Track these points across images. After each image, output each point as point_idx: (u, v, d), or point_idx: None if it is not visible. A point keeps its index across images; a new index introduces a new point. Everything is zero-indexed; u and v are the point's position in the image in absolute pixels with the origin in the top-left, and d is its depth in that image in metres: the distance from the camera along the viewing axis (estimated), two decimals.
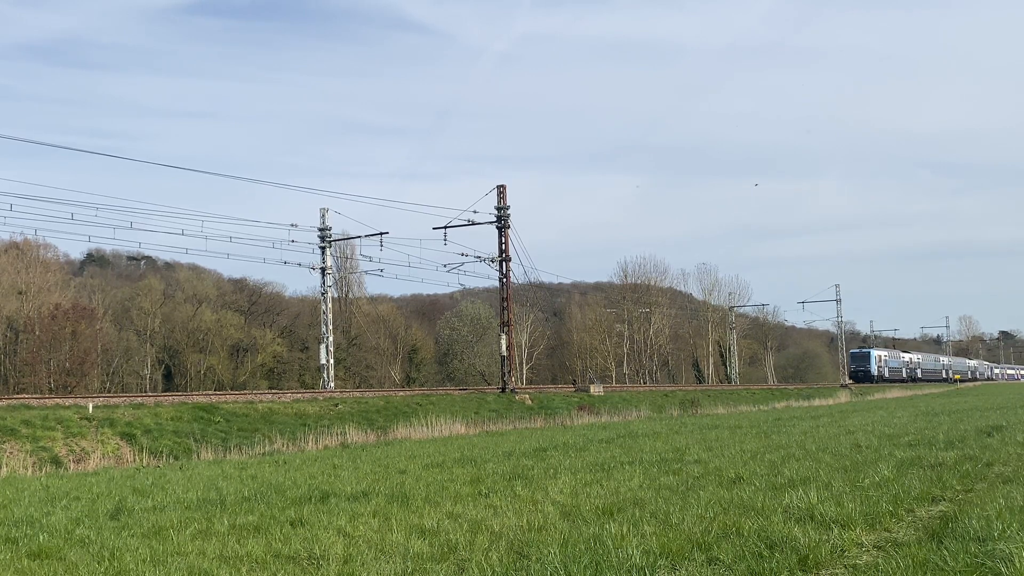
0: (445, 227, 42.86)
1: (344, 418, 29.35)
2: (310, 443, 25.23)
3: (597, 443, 20.41)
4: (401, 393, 36.82)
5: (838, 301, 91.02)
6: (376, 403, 32.63)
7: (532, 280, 54.12)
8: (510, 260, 43.36)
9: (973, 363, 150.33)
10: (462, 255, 43.64)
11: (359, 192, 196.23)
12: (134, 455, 22.57)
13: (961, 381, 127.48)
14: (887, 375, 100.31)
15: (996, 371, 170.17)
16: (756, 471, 12.96)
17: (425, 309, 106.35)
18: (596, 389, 46.17)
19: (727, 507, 9.56)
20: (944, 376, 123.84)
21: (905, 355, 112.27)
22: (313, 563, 7.68)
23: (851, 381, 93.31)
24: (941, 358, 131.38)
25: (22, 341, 60.67)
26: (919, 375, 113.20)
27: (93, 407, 24.38)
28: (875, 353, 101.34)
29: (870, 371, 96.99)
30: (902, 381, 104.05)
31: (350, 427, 28.01)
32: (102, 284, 79.18)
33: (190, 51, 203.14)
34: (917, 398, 64.89)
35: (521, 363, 79.43)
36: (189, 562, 7.84)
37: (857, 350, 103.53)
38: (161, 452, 22.85)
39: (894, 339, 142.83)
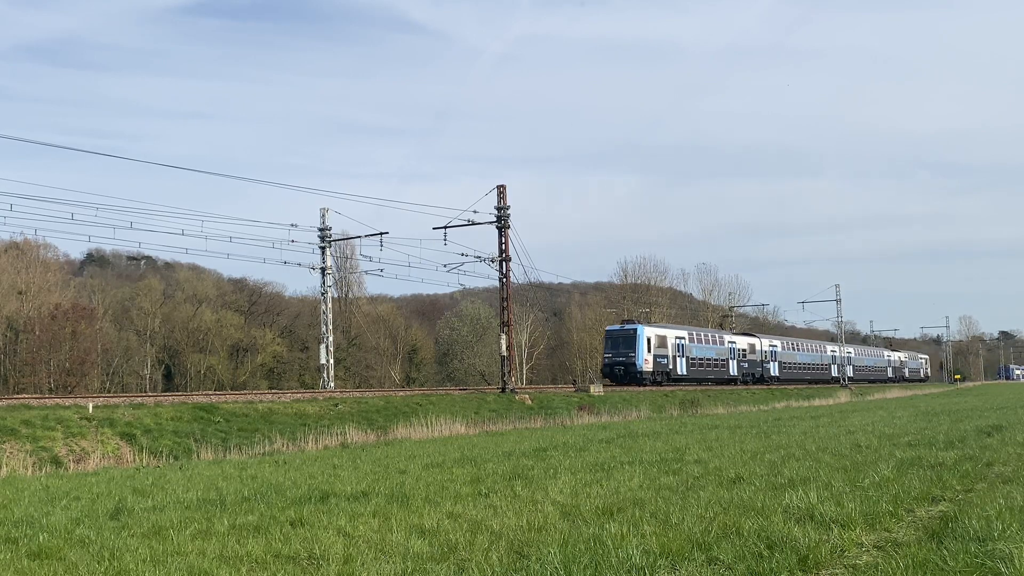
0: (445, 227, 42.87)
1: (344, 418, 29.33)
2: (310, 443, 25.22)
3: (597, 443, 20.41)
4: (401, 393, 36.81)
5: (838, 301, 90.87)
6: (376, 403, 32.59)
7: (532, 280, 54.08)
8: (510, 260, 43.37)
9: (899, 356, 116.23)
10: (462, 255, 43.66)
11: (359, 192, 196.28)
12: (134, 455, 22.56)
13: (880, 381, 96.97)
14: (682, 371, 60.54)
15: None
16: (756, 471, 12.96)
17: (425, 309, 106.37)
18: (596, 389, 46.17)
19: (727, 507, 9.56)
20: (836, 377, 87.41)
21: (735, 339, 70.70)
22: (313, 563, 7.68)
23: (607, 381, 56.47)
24: (832, 348, 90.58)
25: (22, 341, 60.67)
26: (772, 372, 74.13)
27: (93, 407, 24.37)
28: (647, 334, 57.02)
29: (635, 364, 55.42)
30: (717, 382, 65.04)
31: (350, 427, 27.99)
32: (102, 284, 79.17)
33: (190, 51, 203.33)
34: (917, 398, 64.91)
35: (521, 363, 79.40)
36: (189, 562, 7.83)
37: (617, 327, 59.49)
38: (161, 452, 22.84)
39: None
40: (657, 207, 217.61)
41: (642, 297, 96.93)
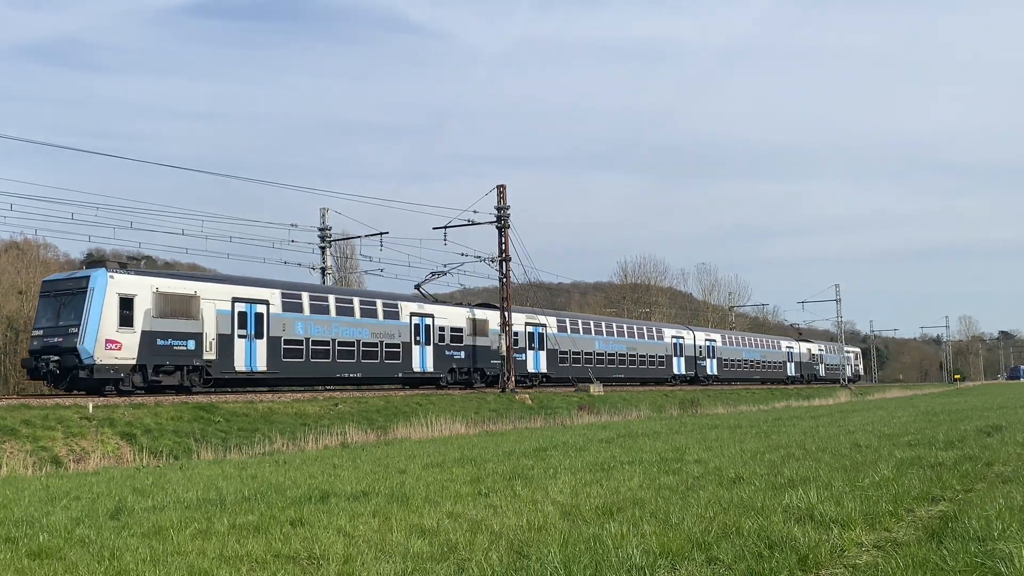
0: (445, 227, 42.83)
1: (344, 418, 29.32)
2: (310, 443, 25.23)
3: (597, 443, 20.41)
4: (401, 393, 36.76)
5: (838, 301, 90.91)
6: (376, 403, 32.57)
7: (532, 280, 53.97)
8: (510, 260, 43.36)
9: (809, 348, 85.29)
10: (462, 255, 43.54)
11: (359, 192, 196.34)
12: (134, 455, 22.57)
13: (768, 382, 72.96)
14: (253, 365, 32.40)
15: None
16: (756, 471, 12.96)
17: None
18: (596, 389, 46.14)
19: (727, 507, 9.56)
20: (685, 375, 61.75)
21: (436, 309, 41.25)
22: (313, 563, 7.68)
23: (45, 384, 30.97)
24: (674, 333, 62.22)
25: (22, 341, 60.65)
26: (533, 368, 46.90)
27: (93, 407, 24.37)
28: (118, 288, 28.30)
29: (78, 351, 27.25)
30: (369, 380, 38.47)
31: (350, 427, 27.99)
32: None
33: (190, 52, 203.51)
34: (917, 398, 64.92)
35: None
36: (189, 562, 7.83)
37: (62, 276, 31.22)
38: (161, 452, 22.84)
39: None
40: (657, 207, 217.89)
41: (642, 297, 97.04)
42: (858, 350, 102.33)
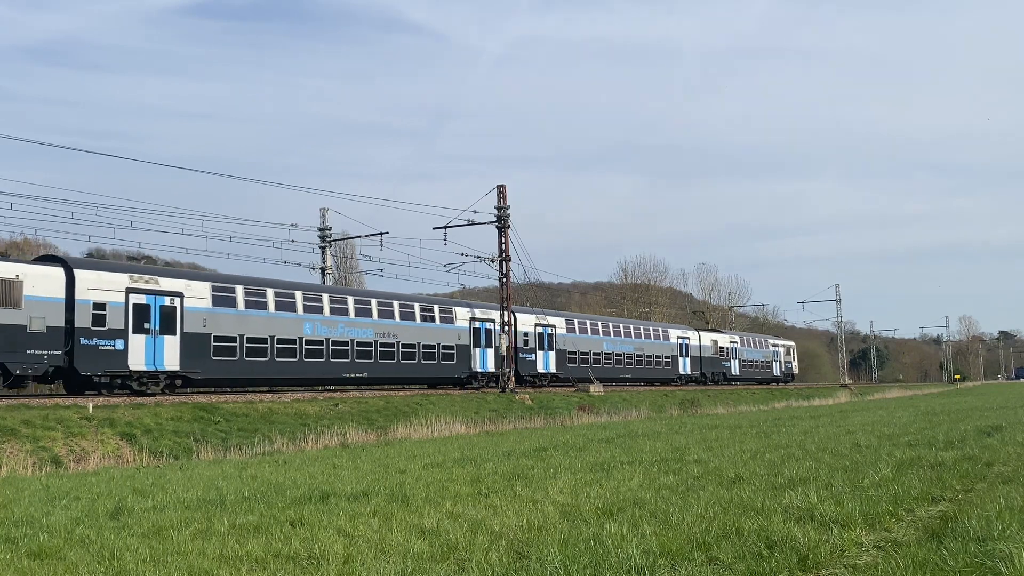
0: (445, 227, 42.87)
1: (344, 418, 29.32)
2: (310, 443, 25.23)
3: (597, 443, 20.40)
4: (401, 393, 36.75)
5: (838, 301, 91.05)
6: (376, 403, 32.59)
7: (532, 280, 53.98)
8: (510, 260, 43.39)
9: (714, 339, 67.25)
10: (462, 255, 43.60)
11: (359, 192, 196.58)
12: (134, 455, 22.56)
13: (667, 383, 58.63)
14: None
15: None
16: (756, 471, 12.96)
17: None
18: (596, 389, 46.16)
19: (727, 507, 9.56)
20: (472, 375, 42.91)
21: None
22: (313, 563, 7.68)
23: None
24: (463, 314, 42.59)
25: None
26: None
27: (93, 407, 24.36)
28: None
29: None
30: None
31: (350, 427, 27.99)
32: None
33: (190, 52, 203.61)
34: (917, 398, 64.92)
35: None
36: (189, 562, 7.83)
37: None
38: (161, 452, 22.84)
39: None
40: (657, 207, 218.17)
41: (642, 297, 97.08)
42: (791, 343, 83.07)
